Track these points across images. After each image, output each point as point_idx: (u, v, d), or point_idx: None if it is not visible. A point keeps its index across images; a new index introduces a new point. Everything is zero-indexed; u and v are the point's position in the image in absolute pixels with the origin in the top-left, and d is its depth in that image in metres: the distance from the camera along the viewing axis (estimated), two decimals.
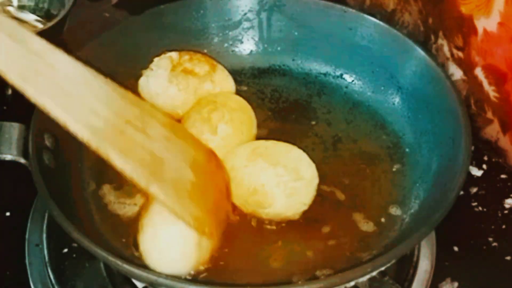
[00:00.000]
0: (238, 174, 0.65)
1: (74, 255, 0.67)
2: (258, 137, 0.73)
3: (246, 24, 0.81)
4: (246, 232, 0.64)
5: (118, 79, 0.74)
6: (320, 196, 0.66)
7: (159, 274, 0.56)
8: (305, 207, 0.64)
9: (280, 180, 0.63)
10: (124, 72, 0.75)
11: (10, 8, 0.91)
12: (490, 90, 0.76)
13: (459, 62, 0.79)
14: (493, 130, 0.78)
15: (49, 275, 0.65)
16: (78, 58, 0.72)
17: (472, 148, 0.67)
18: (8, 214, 0.72)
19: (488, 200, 0.75)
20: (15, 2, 0.91)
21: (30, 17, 0.91)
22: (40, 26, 0.89)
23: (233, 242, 0.63)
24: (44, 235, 0.68)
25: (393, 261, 0.58)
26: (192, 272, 0.59)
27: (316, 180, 0.65)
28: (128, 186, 0.66)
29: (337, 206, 0.67)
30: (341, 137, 0.73)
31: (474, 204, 0.74)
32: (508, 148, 0.77)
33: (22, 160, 0.62)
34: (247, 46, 0.82)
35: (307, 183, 0.65)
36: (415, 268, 0.66)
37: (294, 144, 0.72)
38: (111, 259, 0.55)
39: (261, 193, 0.63)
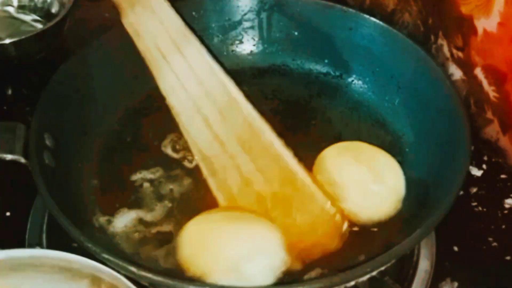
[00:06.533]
0: (325, 163, 0.66)
1: None
2: None
3: (246, 24, 0.81)
4: None
5: (118, 79, 0.75)
6: None
7: (159, 274, 0.56)
8: (382, 216, 0.64)
9: (360, 178, 0.64)
10: (123, 73, 0.75)
11: (10, 8, 0.91)
12: (490, 90, 0.76)
13: (459, 62, 0.79)
14: (493, 130, 0.78)
15: None
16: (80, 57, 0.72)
17: (472, 148, 0.67)
18: (8, 214, 0.72)
19: (488, 200, 0.75)
20: (15, 2, 0.91)
21: (30, 17, 0.91)
22: (40, 26, 0.89)
23: None
24: (44, 235, 0.68)
25: (393, 261, 0.58)
26: None
27: (400, 193, 0.65)
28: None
29: None
30: (341, 137, 0.73)
31: (474, 204, 0.74)
32: (508, 148, 0.77)
33: (22, 160, 0.62)
34: (247, 46, 0.82)
35: (388, 190, 0.64)
36: (415, 268, 0.66)
37: (294, 143, 0.72)
38: (112, 259, 0.55)
39: (338, 186, 0.64)
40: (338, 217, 0.63)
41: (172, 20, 0.68)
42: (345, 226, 0.63)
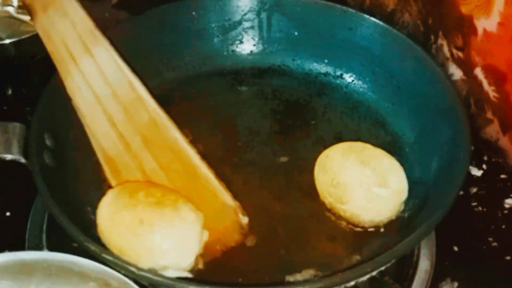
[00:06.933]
0: (329, 163, 0.66)
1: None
2: (258, 136, 0.73)
3: (246, 24, 0.81)
4: None
5: None
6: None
7: (160, 275, 0.56)
8: (384, 219, 0.64)
9: (364, 181, 0.64)
10: None
11: (10, 8, 0.91)
12: (490, 90, 0.76)
13: (459, 62, 0.79)
14: (493, 130, 0.78)
15: None
16: None
17: (472, 148, 0.67)
18: (8, 214, 0.72)
19: (488, 200, 0.75)
20: (15, 2, 0.91)
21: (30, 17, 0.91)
22: None
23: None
24: (44, 235, 0.68)
25: (393, 261, 0.58)
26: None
27: (403, 197, 0.65)
28: None
29: None
30: (341, 137, 0.73)
31: (474, 204, 0.74)
32: (508, 148, 0.77)
33: (22, 160, 0.62)
34: (247, 46, 0.82)
35: (391, 194, 0.64)
36: (415, 268, 0.66)
37: (294, 143, 0.72)
38: (112, 259, 0.55)
39: (342, 187, 0.64)
40: (239, 210, 0.63)
41: (83, 21, 0.69)
42: (246, 220, 0.63)
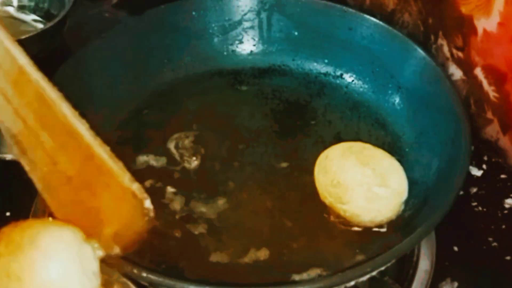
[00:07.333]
0: (329, 163, 0.66)
1: None
2: (257, 136, 0.73)
3: (246, 24, 0.81)
4: None
5: (118, 80, 0.75)
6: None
7: (159, 274, 0.56)
8: (384, 219, 0.64)
9: (364, 181, 0.64)
10: (124, 73, 0.75)
11: (9, 8, 0.91)
12: (490, 90, 0.76)
13: (459, 62, 0.79)
14: (493, 130, 0.78)
15: None
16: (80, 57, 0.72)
17: (472, 148, 0.67)
18: (8, 214, 0.72)
19: (488, 200, 0.75)
20: (15, 2, 0.91)
21: (30, 17, 0.91)
22: (40, 26, 0.89)
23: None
24: None
25: (393, 261, 0.58)
26: None
27: (403, 196, 0.65)
28: None
29: None
30: (341, 137, 0.73)
31: (474, 204, 0.74)
32: (508, 148, 0.77)
33: None
34: (247, 46, 0.82)
35: (391, 194, 0.64)
36: (415, 268, 0.66)
37: (294, 144, 0.72)
38: (112, 260, 0.55)
39: (342, 187, 0.64)
40: (138, 192, 0.56)
41: None
42: (148, 202, 0.55)
